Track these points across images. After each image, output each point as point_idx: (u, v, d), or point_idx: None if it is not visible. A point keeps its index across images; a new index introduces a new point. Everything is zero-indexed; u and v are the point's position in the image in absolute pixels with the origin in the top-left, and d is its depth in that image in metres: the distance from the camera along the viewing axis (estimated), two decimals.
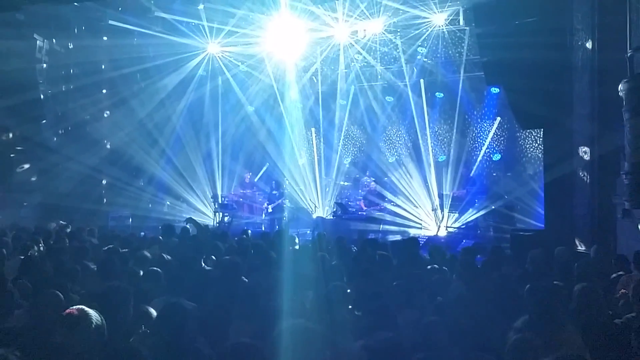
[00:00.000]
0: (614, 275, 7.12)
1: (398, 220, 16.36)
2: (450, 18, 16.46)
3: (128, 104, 18.25)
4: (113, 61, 18.05)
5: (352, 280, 6.61)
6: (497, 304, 5.80)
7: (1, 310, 4.96)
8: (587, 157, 10.98)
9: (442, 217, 16.82)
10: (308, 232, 16.25)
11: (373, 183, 18.13)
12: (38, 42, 16.71)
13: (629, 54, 9.23)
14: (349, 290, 5.80)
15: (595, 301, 5.11)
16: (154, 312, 4.74)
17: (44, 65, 17.06)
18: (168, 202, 19.71)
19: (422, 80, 18.44)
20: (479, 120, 18.25)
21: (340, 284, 5.91)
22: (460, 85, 17.53)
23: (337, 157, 20.22)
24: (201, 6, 16.81)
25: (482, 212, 15.70)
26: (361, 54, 18.66)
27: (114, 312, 4.53)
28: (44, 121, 17.44)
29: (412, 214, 17.08)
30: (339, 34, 17.52)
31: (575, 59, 11.30)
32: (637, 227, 9.16)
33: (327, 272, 6.81)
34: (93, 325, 3.98)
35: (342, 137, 20.44)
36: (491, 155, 17.98)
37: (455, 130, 17.98)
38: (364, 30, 17.31)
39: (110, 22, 17.29)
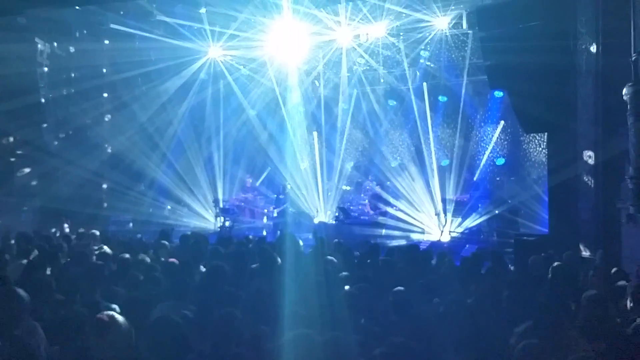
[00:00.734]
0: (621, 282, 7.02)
1: (401, 225, 16.27)
2: (454, 22, 16.43)
3: (129, 107, 18.22)
4: (114, 65, 18.03)
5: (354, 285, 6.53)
6: (499, 310, 5.74)
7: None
8: (591, 161, 10.91)
9: (445, 222, 16.72)
10: (310, 236, 16.17)
11: (377, 187, 18.08)
12: (39, 45, 16.69)
13: (633, 58, 9.16)
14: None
15: (604, 309, 5.04)
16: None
17: (45, 69, 17.02)
18: (169, 207, 19.65)
19: (425, 84, 18.37)
20: (482, 124, 18.18)
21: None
22: (464, 89, 17.47)
23: (339, 161, 20.15)
24: (203, 10, 16.77)
25: (485, 217, 15.63)
26: (364, 58, 18.64)
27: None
28: (45, 125, 17.40)
29: (415, 219, 16.98)
30: (342, 38, 17.48)
31: (579, 62, 11.24)
32: None
33: (331, 277, 6.74)
34: (122, 330, 4.04)
35: (344, 141, 20.36)
36: (495, 160, 17.90)
37: (458, 135, 17.91)
38: (367, 33, 17.27)
39: (112, 25, 17.27)
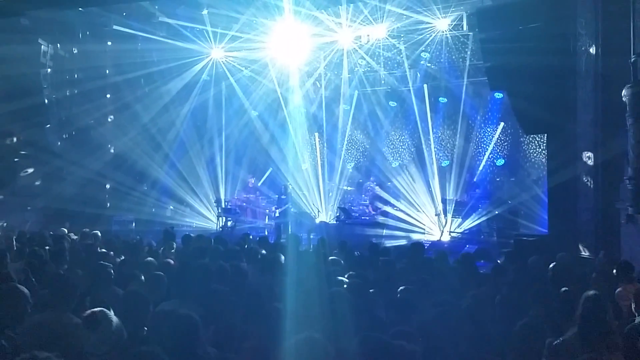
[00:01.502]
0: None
1: (401, 225, 16.33)
2: (454, 23, 16.50)
3: (132, 108, 18.28)
4: (117, 66, 18.09)
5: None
6: (499, 310, 5.80)
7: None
8: (590, 162, 10.97)
9: (446, 222, 16.78)
10: (311, 236, 16.25)
11: (377, 187, 18.15)
12: (42, 47, 16.76)
13: (632, 60, 9.24)
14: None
15: (601, 310, 5.09)
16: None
17: (49, 70, 17.10)
18: (171, 207, 19.72)
19: (425, 85, 18.44)
20: (482, 125, 18.23)
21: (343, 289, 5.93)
22: (464, 90, 17.53)
23: (340, 161, 20.23)
24: (205, 11, 16.87)
25: (485, 217, 15.68)
26: (365, 59, 18.70)
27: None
28: (48, 126, 17.47)
29: (415, 219, 17.05)
30: (343, 39, 17.57)
31: (578, 64, 11.29)
32: None
33: (333, 277, 6.81)
34: (113, 326, 4.11)
35: (345, 142, 20.44)
36: (495, 161, 17.95)
37: (458, 135, 17.96)
38: (368, 35, 17.34)
39: (115, 27, 17.35)
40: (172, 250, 9.55)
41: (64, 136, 18.15)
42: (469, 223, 16.22)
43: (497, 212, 15.33)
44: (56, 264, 7.90)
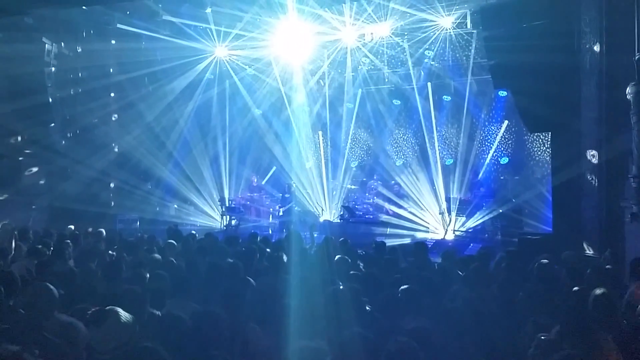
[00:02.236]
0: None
1: (405, 223, 16.34)
2: (458, 21, 16.49)
3: (136, 107, 18.27)
4: (121, 65, 18.09)
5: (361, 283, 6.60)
6: (504, 309, 5.80)
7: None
8: (595, 160, 10.94)
9: (450, 221, 16.78)
10: (315, 235, 16.25)
11: (381, 187, 18.18)
12: (47, 45, 16.75)
13: (637, 57, 9.21)
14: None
15: (611, 308, 5.08)
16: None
17: (53, 68, 17.10)
18: (175, 205, 19.74)
19: (429, 84, 18.46)
20: (486, 123, 18.24)
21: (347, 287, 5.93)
22: (468, 88, 17.54)
23: (344, 160, 20.25)
24: (209, 10, 16.86)
25: (489, 216, 15.68)
26: (368, 57, 18.70)
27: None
28: (53, 124, 17.47)
29: (419, 218, 17.05)
30: (346, 37, 17.56)
31: (583, 62, 11.26)
32: None
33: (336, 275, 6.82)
34: (122, 321, 4.09)
35: (349, 141, 20.47)
36: (499, 159, 17.95)
37: (462, 134, 17.96)
38: (371, 33, 17.34)
39: (119, 25, 17.35)
40: (173, 249, 9.56)
41: (68, 135, 18.15)
42: (473, 221, 16.22)
43: (501, 211, 15.32)
44: (61, 262, 7.90)
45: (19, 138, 17.01)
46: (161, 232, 13.04)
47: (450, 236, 16.40)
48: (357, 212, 17.59)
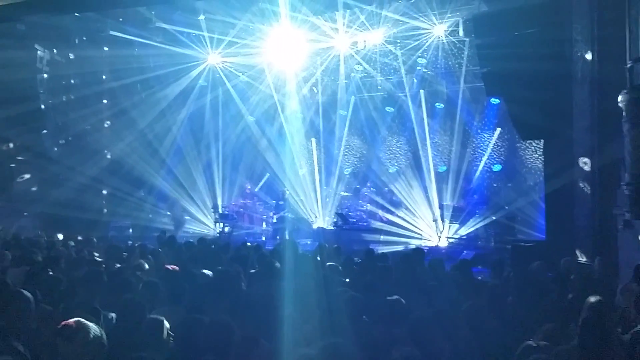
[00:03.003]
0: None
1: (399, 230, 16.32)
2: (450, 29, 16.56)
3: (128, 114, 18.25)
4: (114, 71, 18.09)
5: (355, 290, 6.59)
6: (498, 316, 5.79)
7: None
8: (587, 168, 10.98)
9: (443, 228, 16.79)
10: (308, 242, 16.24)
11: (374, 194, 18.18)
12: (39, 52, 16.75)
13: (628, 65, 9.25)
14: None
15: (604, 316, 5.08)
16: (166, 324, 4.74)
17: (45, 75, 17.09)
18: (168, 213, 19.68)
19: (422, 91, 18.49)
20: (479, 131, 18.26)
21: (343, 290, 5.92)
22: (460, 96, 17.57)
23: (337, 167, 20.22)
24: (202, 17, 16.88)
25: (482, 223, 15.69)
26: (361, 65, 18.73)
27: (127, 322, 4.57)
28: (45, 131, 17.45)
29: (412, 225, 17.05)
30: (339, 45, 17.60)
31: (575, 70, 11.31)
32: (638, 238, 9.14)
33: (329, 282, 6.79)
34: (91, 337, 4.03)
35: (342, 148, 20.45)
36: (491, 166, 17.98)
37: (455, 141, 17.99)
38: (364, 41, 17.38)
39: (111, 32, 17.36)
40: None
41: (61, 142, 18.12)
42: (466, 229, 16.23)
43: (494, 218, 15.34)
44: (51, 270, 7.84)
45: (11, 145, 17.00)
46: (153, 239, 13.01)
47: (443, 243, 16.39)
48: (350, 219, 17.56)
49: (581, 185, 11.14)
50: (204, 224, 19.58)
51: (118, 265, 8.48)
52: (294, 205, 18.98)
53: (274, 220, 18.15)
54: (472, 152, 18.16)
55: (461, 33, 16.38)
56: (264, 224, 19.43)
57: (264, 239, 17.50)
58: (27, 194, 17.28)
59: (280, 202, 18.15)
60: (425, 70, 18.25)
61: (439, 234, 16.67)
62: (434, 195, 17.75)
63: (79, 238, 12.08)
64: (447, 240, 16.54)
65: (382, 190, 18.82)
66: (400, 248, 14.60)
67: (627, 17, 9.57)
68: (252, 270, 8.15)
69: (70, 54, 17.93)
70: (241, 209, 19.48)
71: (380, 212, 17.82)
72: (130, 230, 17.73)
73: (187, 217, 19.52)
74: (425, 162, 18.32)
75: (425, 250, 14.08)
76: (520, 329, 5.39)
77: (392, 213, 17.50)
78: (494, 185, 17.76)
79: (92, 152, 18.18)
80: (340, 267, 7.94)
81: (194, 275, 7.05)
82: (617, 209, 9.96)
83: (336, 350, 4.20)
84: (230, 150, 20.67)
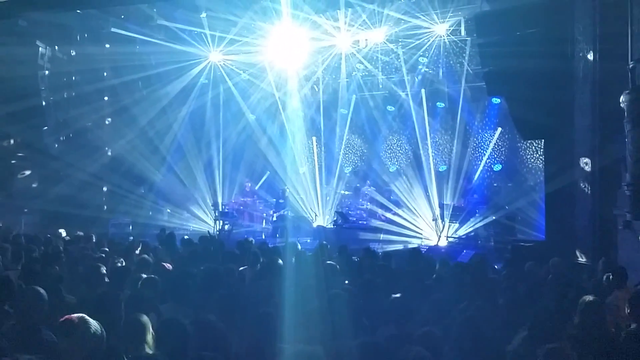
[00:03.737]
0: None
1: (399, 229, 16.32)
2: (452, 28, 16.53)
3: (129, 111, 18.24)
4: (115, 69, 18.06)
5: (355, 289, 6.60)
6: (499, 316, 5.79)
7: None
8: (588, 168, 10.97)
9: (443, 227, 16.77)
10: (308, 240, 16.24)
11: (374, 192, 18.17)
12: (40, 49, 16.72)
13: (630, 66, 9.26)
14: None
15: (600, 315, 5.09)
16: (147, 321, 4.71)
17: (46, 72, 17.06)
18: (168, 210, 19.68)
19: (423, 90, 18.46)
20: (480, 130, 18.25)
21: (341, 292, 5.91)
22: (462, 95, 17.55)
23: (338, 166, 20.22)
24: (203, 14, 16.88)
25: (482, 223, 15.66)
26: (363, 64, 18.71)
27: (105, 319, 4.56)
28: (46, 128, 17.41)
29: (413, 224, 17.04)
30: (341, 43, 17.58)
31: (576, 69, 11.32)
32: (638, 239, 9.15)
33: (330, 281, 6.80)
34: (91, 332, 3.96)
35: (343, 146, 20.45)
36: (492, 166, 17.96)
37: (456, 140, 17.98)
38: (366, 39, 17.37)
39: (113, 29, 17.33)
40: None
41: (61, 138, 18.11)
42: (466, 228, 16.20)
43: (494, 218, 15.31)
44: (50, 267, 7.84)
45: (12, 141, 17.00)
46: (153, 236, 13.00)
47: (443, 242, 16.37)
48: (350, 218, 17.56)
49: (582, 185, 11.14)
50: (204, 221, 19.57)
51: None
52: (294, 203, 18.97)
53: (274, 219, 18.15)
54: (472, 152, 18.16)
55: (463, 32, 16.38)
56: (264, 222, 19.43)
57: (263, 236, 17.48)
58: (28, 191, 17.28)
59: (281, 201, 18.15)
60: (427, 69, 18.23)
61: (439, 233, 16.65)
62: (434, 194, 17.75)
63: (79, 233, 12.05)
64: (447, 239, 16.52)
65: (383, 189, 18.81)
66: (400, 247, 14.61)
67: (629, 17, 9.59)
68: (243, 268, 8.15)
69: (71, 51, 17.91)
70: (241, 207, 19.46)
71: (380, 211, 17.81)
72: (130, 227, 17.73)
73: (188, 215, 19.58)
74: (426, 161, 18.32)
75: (424, 250, 14.21)
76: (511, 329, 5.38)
77: (392, 212, 17.49)
78: (495, 184, 17.74)
79: (93, 149, 18.17)
80: (338, 266, 7.92)
81: (190, 273, 7.04)
82: (618, 209, 9.98)
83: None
84: (231, 148, 20.65)
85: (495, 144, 17.86)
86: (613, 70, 10.17)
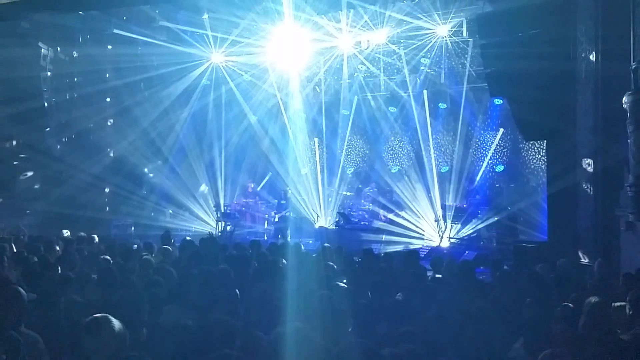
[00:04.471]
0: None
1: (401, 230, 16.31)
2: (454, 29, 16.55)
3: (132, 112, 18.26)
4: (117, 70, 18.06)
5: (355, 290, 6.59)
6: (500, 318, 5.78)
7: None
8: (590, 169, 10.96)
9: (445, 228, 16.76)
10: (310, 241, 16.24)
11: (376, 193, 18.17)
12: (43, 50, 16.74)
13: (633, 67, 9.24)
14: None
15: (605, 316, 5.07)
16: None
17: (49, 73, 17.09)
18: (170, 211, 19.69)
19: (425, 91, 18.45)
20: (482, 131, 18.24)
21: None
22: (464, 96, 17.55)
23: (339, 167, 20.23)
24: (205, 16, 16.89)
25: (485, 224, 15.66)
26: (365, 65, 18.72)
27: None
28: (48, 129, 17.45)
29: (415, 225, 17.03)
30: (343, 44, 17.59)
31: (578, 70, 11.30)
32: None
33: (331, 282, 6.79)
34: (116, 331, 4.03)
35: (345, 147, 20.47)
36: (494, 167, 17.95)
37: (458, 141, 17.97)
38: (368, 40, 17.38)
39: (115, 31, 17.33)
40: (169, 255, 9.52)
41: (64, 140, 18.14)
42: (469, 229, 16.20)
43: (496, 219, 15.31)
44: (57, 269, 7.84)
45: (14, 142, 17.01)
46: (156, 237, 12.99)
47: (445, 243, 16.36)
48: (352, 219, 17.55)
49: (584, 186, 11.13)
50: (206, 222, 19.57)
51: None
52: (296, 204, 18.96)
53: (276, 220, 18.15)
54: (474, 153, 18.15)
55: (465, 33, 16.39)
56: (265, 223, 19.42)
57: (265, 237, 17.49)
58: (30, 192, 17.29)
59: (283, 202, 18.15)
60: (429, 70, 18.23)
61: (441, 234, 16.64)
62: (436, 195, 17.74)
63: (82, 234, 12.05)
64: (449, 240, 16.51)
65: (385, 190, 18.81)
66: (402, 248, 14.60)
67: (632, 18, 9.58)
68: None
69: (73, 52, 17.93)
70: (243, 208, 19.46)
71: (382, 212, 17.80)
72: (132, 228, 17.75)
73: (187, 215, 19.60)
74: (428, 162, 18.31)
75: (426, 251, 14.20)
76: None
77: (394, 213, 17.48)
78: (497, 185, 17.73)
79: (95, 150, 18.19)
80: (335, 267, 7.90)
81: (192, 274, 7.04)
82: (620, 210, 9.96)
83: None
84: (233, 149, 20.67)
85: (497, 145, 17.85)
86: (615, 71, 10.15)
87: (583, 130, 11.21)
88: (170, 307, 5.77)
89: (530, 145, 17.03)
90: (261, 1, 15.57)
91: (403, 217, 17.27)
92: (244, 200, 19.96)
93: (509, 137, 17.65)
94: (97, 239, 11.52)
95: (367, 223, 17.47)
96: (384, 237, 15.75)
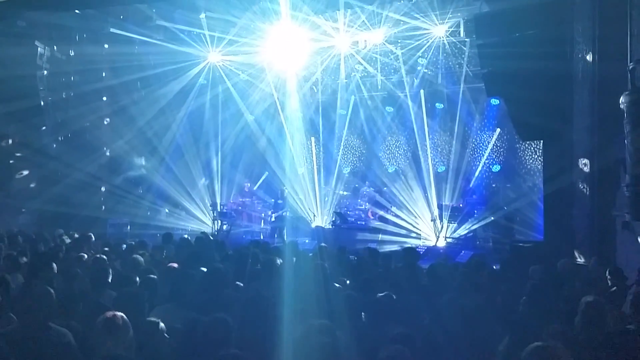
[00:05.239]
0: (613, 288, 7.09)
1: (397, 230, 16.32)
2: (451, 29, 16.54)
3: (128, 111, 18.23)
4: (113, 69, 18.03)
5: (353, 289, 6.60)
6: (497, 318, 5.79)
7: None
8: (587, 169, 10.96)
9: (441, 228, 16.77)
10: (307, 241, 16.24)
11: (373, 193, 18.17)
12: (39, 49, 16.69)
13: (630, 67, 9.23)
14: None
15: (601, 315, 5.08)
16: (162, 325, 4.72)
17: (45, 72, 17.04)
18: (167, 210, 19.66)
19: (422, 91, 18.50)
20: (478, 131, 18.28)
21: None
22: (461, 96, 17.58)
23: (336, 166, 20.25)
24: (202, 15, 16.85)
25: (481, 223, 15.68)
26: (362, 64, 18.73)
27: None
28: (44, 128, 17.41)
29: (411, 224, 17.04)
30: (340, 44, 17.58)
31: (575, 70, 11.30)
32: (637, 240, 9.14)
33: (329, 282, 6.79)
34: (129, 330, 4.14)
35: (341, 147, 20.49)
36: (491, 167, 17.99)
37: (455, 141, 18.00)
38: (365, 40, 17.38)
39: (112, 30, 17.29)
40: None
41: (60, 138, 18.09)
42: (465, 229, 16.21)
43: (493, 218, 15.33)
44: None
45: (10, 141, 16.97)
46: (151, 236, 12.99)
47: (441, 243, 16.37)
48: (349, 218, 17.57)
49: (580, 186, 11.13)
50: (202, 221, 19.55)
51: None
52: (292, 204, 18.97)
53: (273, 219, 18.14)
54: (471, 152, 18.19)
55: (462, 33, 16.39)
56: (262, 223, 19.42)
57: (262, 237, 17.48)
58: (26, 191, 17.25)
59: (279, 201, 18.16)
60: (426, 70, 18.26)
61: (438, 234, 16.66)
62: (433, 195, 17.76)
63: (76, 235, 12.03)
64: (446, 240, 16.52)
65: (381, 189, 18.82)
66: (398, 247, 14.60)
67: (629, 18, 9.57)
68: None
69: (70, 51, 17.89)
70: (240, 207, 19.46)
71: (379, 211, 17.80)
72: (129, 227, 17.72)
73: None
74: (425, 162, 18.34)
75: (423, 250, 14.20)
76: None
77: (391, 212, 17.48)
78: (493, 185, 17.77)
79: (91, 149, 18.14)
80: (326, 265, 7.90)
81: (191, 273, 7.02)
82: (616, 210, 9.96)
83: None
84: (230, 148, 20.66)
85: (494, 145, 17.89)
86: (612, 71, 10.14)
87: (579, 130, 11.21)
88: (162, 307, 5.75)
89: (526, 145, 17.07)
90: (258, 1, 15.57)
91: (400, 217, 17.28)
92: (241, 199, 19.96)
93: (505, 137, 17.69)
94: (93, 238, 11.48)
95: (363, 222, 17.49)
96: (381, 237, 15.77)
